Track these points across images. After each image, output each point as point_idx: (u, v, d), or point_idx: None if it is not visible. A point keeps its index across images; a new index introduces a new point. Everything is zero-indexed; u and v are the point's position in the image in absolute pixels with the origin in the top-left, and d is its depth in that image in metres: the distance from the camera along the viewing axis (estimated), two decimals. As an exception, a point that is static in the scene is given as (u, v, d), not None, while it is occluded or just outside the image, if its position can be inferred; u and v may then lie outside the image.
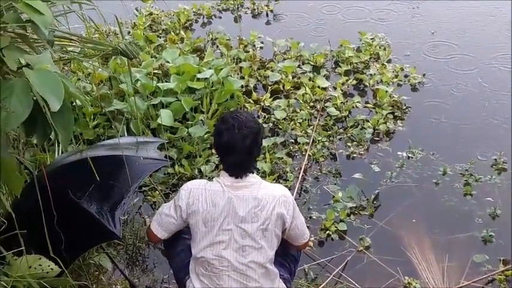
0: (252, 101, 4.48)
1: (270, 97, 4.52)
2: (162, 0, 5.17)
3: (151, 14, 5.69)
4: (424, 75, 4.87)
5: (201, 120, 4.13)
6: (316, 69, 4.90)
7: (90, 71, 4.28)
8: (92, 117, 4.07)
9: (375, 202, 3.70)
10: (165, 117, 4.02)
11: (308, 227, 3.44)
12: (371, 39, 5.19)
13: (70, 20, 2.79)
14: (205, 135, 4.04)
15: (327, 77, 4.80)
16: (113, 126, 3.99)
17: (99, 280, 3.10)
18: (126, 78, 3.95)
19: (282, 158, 3.99)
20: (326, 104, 4.48)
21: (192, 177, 3.74)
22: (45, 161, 3.30)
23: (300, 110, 4.39)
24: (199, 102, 4.27)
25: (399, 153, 4.08)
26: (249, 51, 5.06)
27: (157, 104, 4.17)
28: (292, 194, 3.09)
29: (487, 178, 3.85)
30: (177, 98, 4.23)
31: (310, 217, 3.59)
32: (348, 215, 3.60)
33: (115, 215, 2.66)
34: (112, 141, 3.20)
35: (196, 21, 5.74)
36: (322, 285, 3.16)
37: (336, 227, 3.51)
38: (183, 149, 3.98)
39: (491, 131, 4.29)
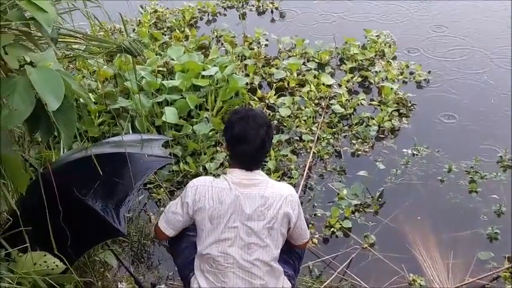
0: (256, 99, 4.48)
1: (274, 94, 4.51)
2: (167, -2, 5.18)
3: (156, 11, 5.69)
4: (429, 72, 4.85)
5: (206, 117, 4.13)
6: (321, 66, 4.89)
7: (95, 68, 4.29)
8: (97, 114, 4.08)
9: (379, 199, 3.69)
10: (170, 114, 4.03)
11: (312, 224, 3.50)
12: (376, 36, 5.18)
13: (75, 17, 2.79)
14: (210, 133, 4.04)
15: (332, 75, 4.79)
16: (117, 124, 4.00)
17: (104, 277, 3.11)
18: (131, 75, 3.95)
19: (287, 155, 3.99)
20: (331, 102, 4.47)
21: (197, 175, 3.74)
22: (51, 159, 3.31)
23: (305, 108, 4.39)
24: (204, 99, 4.27)
25: (404, 150, 4.07)
26: (253, 49, 5.05)
27: (162, 102, 4.17)
28: (297, 192, 3.09)
29: (492, 175, 3.83)
30: (181, 95, 4.23)
31: (315, 214, 3.59)
32: (353, 212, 3.60)
33: (120, 212, 2.66)
34: (117, 138, 3.21)
35: (201, 19, 5.74)
36: (326, 282, 3.16)
37: (340, 224, 3.51)
38: (188, 146, 3.99)
39: (497, 128, 4.27)
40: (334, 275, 3.21)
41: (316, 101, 4.49)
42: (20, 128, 2.66)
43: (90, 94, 4.03)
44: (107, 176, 2.56)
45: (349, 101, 4.47)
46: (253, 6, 5.91)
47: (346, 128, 4.28)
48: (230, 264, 2.40)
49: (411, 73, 4.85)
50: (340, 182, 3.83)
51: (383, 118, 4.29)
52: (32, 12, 1.90)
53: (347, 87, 4.62)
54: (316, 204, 3.67)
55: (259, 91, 4.55)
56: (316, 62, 4.91)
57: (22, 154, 2.71)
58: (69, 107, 1.90)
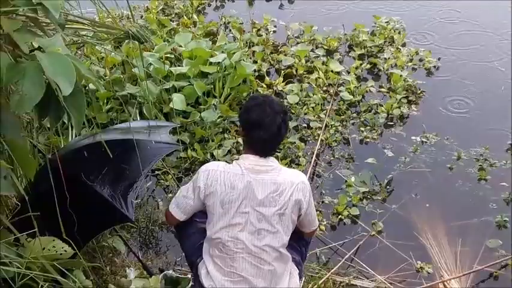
0: (264, 86, 4.46)
1: (282, 81, 4.50)
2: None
3: (164, -3, 5.66)
4: (439, 59, 4.81)
5: (214, 104, 4.12)
6: (329, 53, 4.86)
7: (103, 55, 4.28)
8: (105, 101, 4.08)
9: (387, 187, 3.68)
10: (178, 101, 4.03)
11: (320, 211, 3.50)
12: (386, 22, 5.13)
13: (82, 4, 2.79)
14: (218, 120, 4.04)
15: (341, 61, 4.76)
16: (125, 110, 4.01)
17: (112, 262, 3.13)
18: (139, 62, 3.94)
19: (295, 142, 3.98)
20: (339, 89, 4.45)
21: (205, 162, 3.74)
22: (59, 145, 3.32)
23: (313, 95, 4.37)
24: (212, 86, 4.26)
25: (413, 137, 4.05)
26: (261, 35, 5.02)
27: (169, 88, 4.17)
28: (305, 178, 3.08)
29: (501, 163, 3.81)
30: (189, 82, 4.22)
31: (323, 202, 3.59)
32: (361, 200, 3.59)
33: (127, 198, 2.68)
34: (125, 125, 3.21)
35: (209, 5, 5.70)
36: (333, 269, 3.16)
37: (348, 211, 3.51)
38: (196, 133, 3.99)
39: (507, 116, 4.23)
40: (341, 262, 3.21)
41: (325, 88, 4.47)
42: (29, 114, 2.66)
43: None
44: (115, 162, 2.57)
45: (357, 88, 4.45)
46: (262, -8, 5.86)
47: (354, 115, 4.27)
48: (240, 249, 2.41)
49: (420, 60, 4.81)
50: (348, 169, 3.83)
51: (392, 105, 4.27)
52: (39, -3, 1.89)
53: (356, 74, 4.59)
54: (324, 192, 3.67)
55: (267, 78, 4.53)
56: (324, 49, 4.88)
57: (30, 140, 2.71)
58: (79, 92, 1.90)
